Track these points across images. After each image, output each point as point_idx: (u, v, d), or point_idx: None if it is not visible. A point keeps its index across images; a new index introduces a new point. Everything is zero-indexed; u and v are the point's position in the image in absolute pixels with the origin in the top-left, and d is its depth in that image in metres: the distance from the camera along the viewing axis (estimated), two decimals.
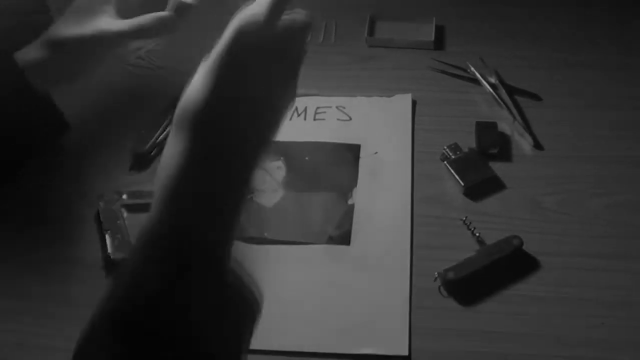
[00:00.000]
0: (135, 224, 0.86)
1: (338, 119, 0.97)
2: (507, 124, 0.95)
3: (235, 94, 0.54)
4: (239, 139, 0.55)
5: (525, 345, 0.75)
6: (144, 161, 0.94)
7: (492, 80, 1.00)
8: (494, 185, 0.88)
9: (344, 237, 0.84)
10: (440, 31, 1.09)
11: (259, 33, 0.54)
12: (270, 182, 0.90)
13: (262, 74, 0.56)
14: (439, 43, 1.07)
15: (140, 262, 0.50)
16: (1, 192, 0.89)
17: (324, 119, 0.97)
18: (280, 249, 0.83)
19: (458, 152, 0.90)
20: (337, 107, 0.98)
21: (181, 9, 0.81)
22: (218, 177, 0.53)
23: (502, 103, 0.97)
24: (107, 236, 0.84)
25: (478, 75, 1.00)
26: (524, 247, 0.81)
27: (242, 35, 0.54)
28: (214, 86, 0.53)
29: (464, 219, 0.84)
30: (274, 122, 0.57)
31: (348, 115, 0.97)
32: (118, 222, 0.86)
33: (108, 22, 0.79)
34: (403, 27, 1.10)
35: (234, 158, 0.54)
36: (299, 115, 0.97)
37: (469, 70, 1.02)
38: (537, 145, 0.93)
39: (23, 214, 0.89)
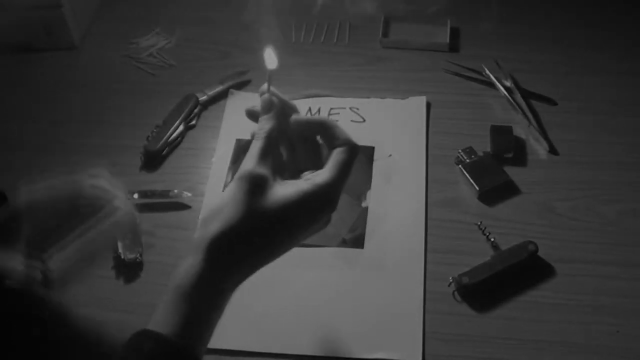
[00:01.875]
0: (146, 224, 0.86)
1: (352, 121, 0.96)
2: (522, 129, 0.94)
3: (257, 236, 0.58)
4: (251, 264, 0.59)
5: (539, 352, 0.74)
6: (155, 160, 0.93)
7: (508, 83, 0.99)
8: (509, 190, 0.88)
9: (357, 240, 0.83)
10: (455, 33, 1.08)
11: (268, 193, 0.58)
12: None
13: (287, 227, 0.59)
14: (454, 45, 1.07)
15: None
16: (13, 189, 0.89)
17: (337, 120, 0.95)
18: (293, 251, 0.80)
19: (473, 156, 0.89)
20: (350, 109, 0.97)
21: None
22: (222, 298, 0.57)
23: (517, 107, 0.96)
24: None
25: (493, 79, 1.00)
26: (538, 253, 0.80)
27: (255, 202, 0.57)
28: (239, 220, 0.57)
29: (479, 223, 0.84)
30: (294, 244, 0.62)
31: (362, 117, 0.96)
32: None
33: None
34: (417, 29, 1.09)
35: (241, 278, 0.59)
36: (312, 115, 0.96)
37: (484, 73, 1.01)
38: (553, 151, 0.92)
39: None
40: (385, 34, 1.08)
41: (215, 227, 0.57)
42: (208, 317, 0.57)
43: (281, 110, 0.63)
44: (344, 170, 0.61)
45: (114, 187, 0.68)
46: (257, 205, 0.57)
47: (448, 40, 1.06)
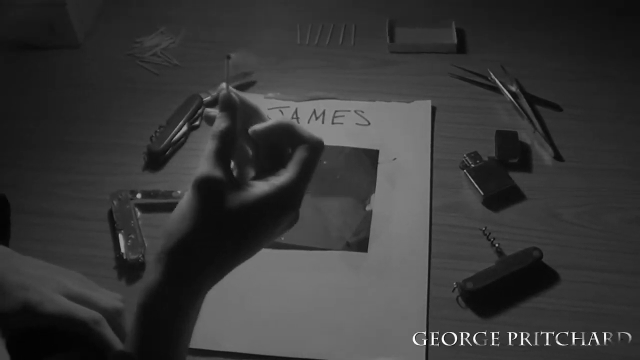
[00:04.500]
0: (149, 224, 0.85)
1: (357, 124, 0.95)
2: (527, 134, 0.94)
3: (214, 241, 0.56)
4: (214, 272, 0.57)
5: (542, 358, 0.73)
6: (158, 160, 0.93)
7: (513, 88, 0.99)
8: (514, 195, 0.87)
9: (361, 244, 0.83)
10: (461, 37, 1.08)
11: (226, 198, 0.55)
12: None
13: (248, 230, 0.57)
14: (461, 47, 1.06)
15: None
16: (16, 187, 0.89)
17: (342, 123, 0.96)
18: (297, 254, 0.82)
19: (478, 161, 0.89)
20: (355, 112, 0.97)
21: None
22: (185, 307, 0.56)
23: (522, 112, 0.96)
24: (120, 236, 0.83)
25: (499, 84, 0.99)
26: (543, 259, 0.80)
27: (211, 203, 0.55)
28: (196, 230, 0.55)
29: (484, 229, 0.83)
30: (261, 246, 0.59)
31: (367, 120, 0.96)
32: (131, 222, 0.84)
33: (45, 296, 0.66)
34: (422, 32, 1.09)
35: (208, 284, 0.57)
36: (317, 118, 0.96)
37: (489, 78, 1.01)
38: (558, 156, 0.92)
39: (36, 210, 0.88)
40: (391, 39, 1.08)
41: (172, 239, 0.54)
42: (172, 329, 0.55)
43: (240, 109, 0.59)
44: (305, 169, 0.57)
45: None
46: (215, 211, 0.54)
47: (455, 41, 1.05)
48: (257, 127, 0.59)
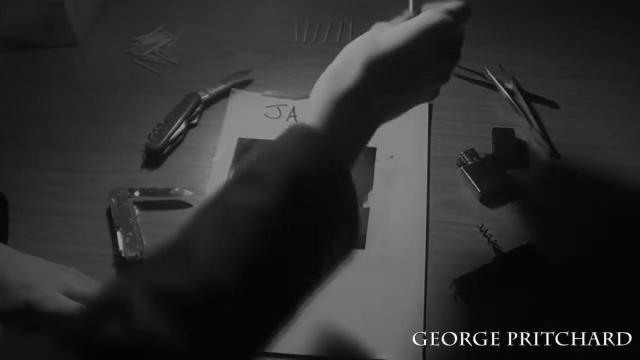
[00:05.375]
0: (147, 222, 0.86)
1: None
2: (524, 131, 0.94)
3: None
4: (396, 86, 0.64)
5: (542, 357, 0.74)
6: (156, 158, 0.93)
7: (510, 86, 0.99)
8: (511, 192, 0.88)
9: (358, 241, 0.83)
10: None
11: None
12: None
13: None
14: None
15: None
16: (14, 186, 0.89)
17: None
18: None
19: (475, 158, 0.89)
20: None
21: None
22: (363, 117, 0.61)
23: (519, 110, 0.96)
24: (118, 233, 0.83)
25: (496, 81, 1.00)
26: (540, 256, 0.80)
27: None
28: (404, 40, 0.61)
29: (480, 225, 0.84)
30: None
31: None
32: (130, 219, 0.85)
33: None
34: None
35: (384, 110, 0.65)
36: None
37: (486, 76, 1.01)
38: (554, 154, 0.92)
39: (34, 209, 0.88)
40: None
41: (378, 47, 0.62)
42: (356, 128, 0.60)
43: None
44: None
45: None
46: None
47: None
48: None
